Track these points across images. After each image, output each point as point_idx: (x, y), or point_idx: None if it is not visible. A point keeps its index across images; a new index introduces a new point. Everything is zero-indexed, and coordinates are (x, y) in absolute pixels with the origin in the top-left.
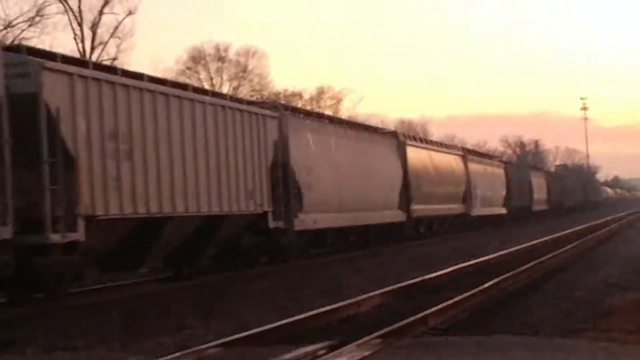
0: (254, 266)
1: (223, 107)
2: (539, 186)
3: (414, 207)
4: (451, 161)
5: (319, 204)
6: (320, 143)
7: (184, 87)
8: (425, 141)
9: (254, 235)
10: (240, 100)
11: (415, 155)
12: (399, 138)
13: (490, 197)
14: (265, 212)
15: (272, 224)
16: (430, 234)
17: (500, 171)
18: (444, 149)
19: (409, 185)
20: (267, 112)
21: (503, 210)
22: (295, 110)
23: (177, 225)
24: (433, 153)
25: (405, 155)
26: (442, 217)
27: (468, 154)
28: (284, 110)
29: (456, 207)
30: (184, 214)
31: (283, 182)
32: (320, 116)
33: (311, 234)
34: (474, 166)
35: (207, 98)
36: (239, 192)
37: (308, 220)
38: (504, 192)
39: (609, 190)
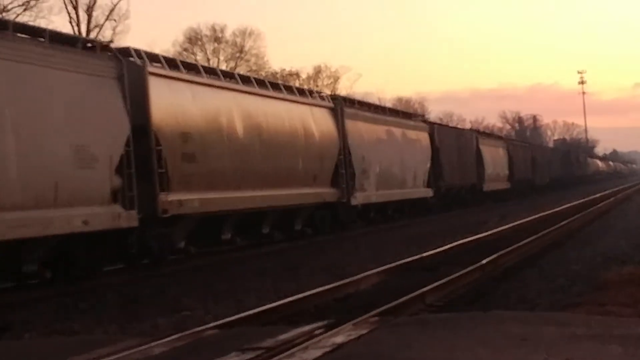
0: None
1: None
2: (494, 158)
3: (175, 197)
4: (304, 117)
5: None
6: None
7: None
8: (222, 75)
9: None
10: None
11: (178, 98)
12: (135, 63)
13: (399, 175)
14: None
15: None
16: (257, 243)
17: (421, 136)
18: (278, 94)
19: (153, 155)
20: None
21: (425, 193)
22: None
23: None
24: (247, 98)
25: (144, 98)
26: (283, 212)
27: (346, 106)
28: None
29: (316, 193)
30: None
31: None
32: None
33: None
34: (359, 127)
35: None
36: None
37: None
38: (427, 166)
39: (599, 163)
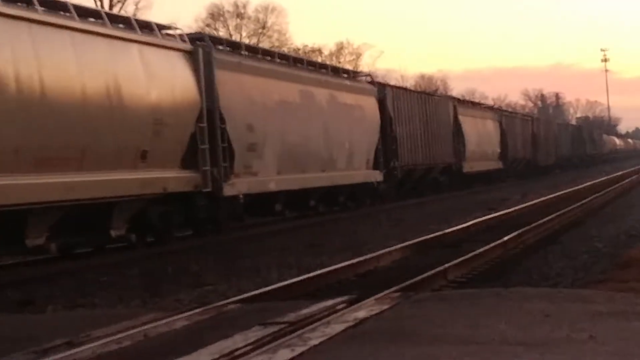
0: None
1: None
2: (479, 132)
3: None
4: (121, 62)
5: None
6: None
7: None
8: None
9: None
10: None
11: None
12: None
13: (322, 153)
14: None
15: None
16: None
17: (365, 102)
18: (58, 20)
19: None
20: None
21: (371, 176)
22: None
23: None
24: None
25: None
26: (81, 210)
27: (219, 50)
28: None
29: (147, 180)
30: None
31: None
32: None
33: None
34: (244, 82)
35: None
36: None
37: None
38: (375, 141)
39: (617, 140)
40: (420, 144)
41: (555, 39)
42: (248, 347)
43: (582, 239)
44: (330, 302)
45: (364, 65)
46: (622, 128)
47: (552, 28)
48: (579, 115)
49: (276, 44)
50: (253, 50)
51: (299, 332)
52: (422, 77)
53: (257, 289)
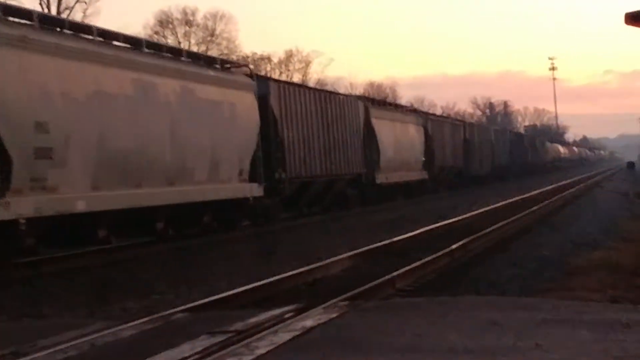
0: None
1: None
2: (397, 138)
3: None
4: None
5: None
6: None
7: None
8: None
9: None
10: None
11: None
12: None
13: (169, 161)
14: None
15: None
16: None
17: (238, 99)
18: None
19: None
20: None
21: (245, 190)
22: None
23: None
24: None
25: None
26: None
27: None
28: None
29: None
30: None
31: None
32: None
33: None
34: (32, 65)
35: None
36: None
37: None
38: (252, 148)
39: (560, 148)
40: (318, 151)
41: (504, 46)
42: (195, 357)
43: (529, 247)
44: (278, 311)
45: (313, 73)
46: (570, 136)
47: (500, 35)
48: (527, 123)
49: (225, 51)
50: (56, 24)
51: (246, 341)
52: (371, 84)
53: (206, 298)
